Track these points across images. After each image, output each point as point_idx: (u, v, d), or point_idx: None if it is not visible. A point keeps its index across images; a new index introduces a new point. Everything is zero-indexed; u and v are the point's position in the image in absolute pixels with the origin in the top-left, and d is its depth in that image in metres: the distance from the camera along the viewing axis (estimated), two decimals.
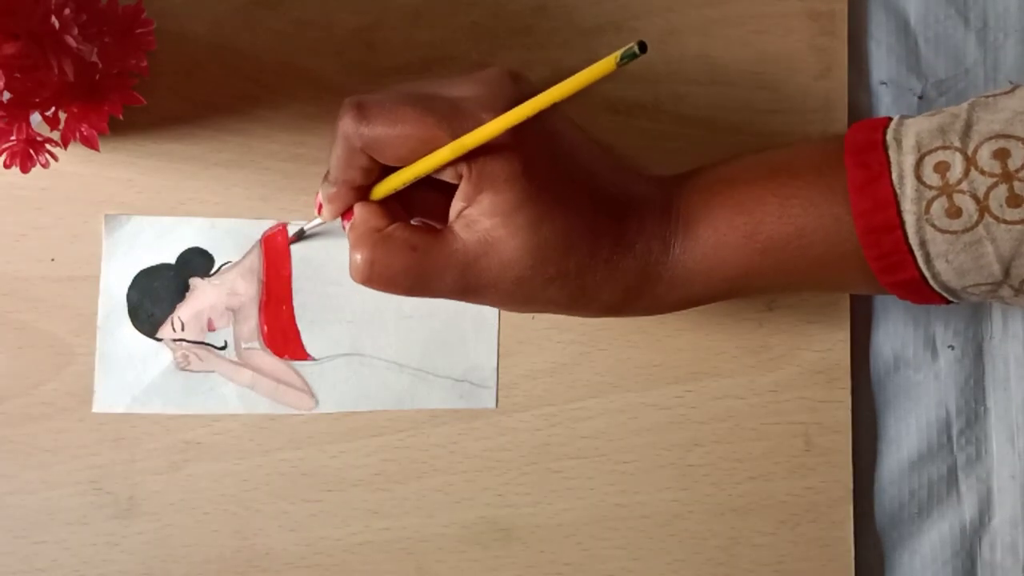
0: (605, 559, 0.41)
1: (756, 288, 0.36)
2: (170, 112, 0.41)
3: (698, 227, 0.35)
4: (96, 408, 0.40)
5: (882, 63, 0.44)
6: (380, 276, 0.34)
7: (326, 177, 0.35)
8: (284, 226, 0.41)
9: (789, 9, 0.43)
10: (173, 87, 0.41)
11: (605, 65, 0.28)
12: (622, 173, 0.37)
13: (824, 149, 0.35)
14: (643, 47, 0.28)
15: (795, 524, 0.42)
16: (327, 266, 0.41)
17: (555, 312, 0.36)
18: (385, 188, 0.35)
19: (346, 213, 0.36)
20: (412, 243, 0.34)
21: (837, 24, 0.43)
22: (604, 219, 0.35)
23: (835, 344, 0.42)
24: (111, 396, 0.40)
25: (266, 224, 0.41)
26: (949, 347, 0.43)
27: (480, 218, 0.33)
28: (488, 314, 0.42)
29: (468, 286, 0.34)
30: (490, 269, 0.33)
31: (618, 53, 0.28)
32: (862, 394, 0.43)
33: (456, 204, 0.34)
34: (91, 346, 0.41)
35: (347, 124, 0.33)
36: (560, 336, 0.42)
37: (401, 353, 0.41)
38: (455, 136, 0.32)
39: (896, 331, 0.43)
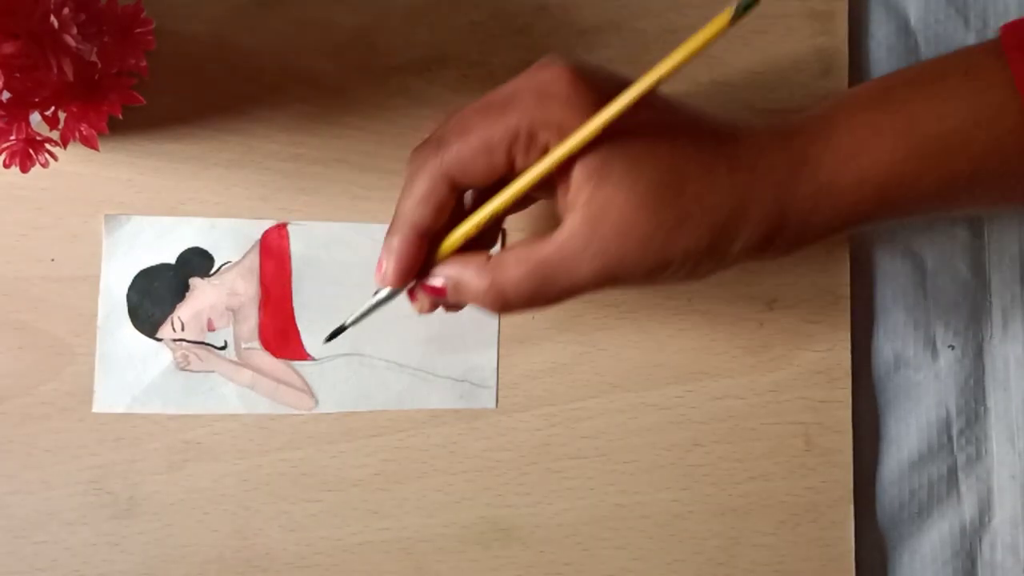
0: (605, 559, 0.41)
1: (911, 199, 0.32)
2: (170, 112, 0.41)
3: (837, 134, 0.32)
4: (96, 408, 0.40)
5: (882, 63, 0.44)
6: (515, 296, 0.31)
7: (388, 232, 0.33)
8: (284, 226, 0.41)
9: (789, 9, 0.43)
10: (173, 87, 0.41)
11: (720, 22, 0.25)
12: (709, 115, 0.33)
13: (967, 53, 0.33)
14: None
15: (795, 524, 0.42)
16: (327, 266, 0.41)
17: (700, 269, 0.32)
18: (456, 238, 0.32)
19: (410, 291, 0.34)
20: (526, 255, 0.31)
21: (837, 24, 0.43)
22: (713, 142, 0.32)
23: (835, 344, 0.42)
24: (111, 396, 0.40)
25: (266, 224, 0.41)
26: (949, 347, 0.43)
27: (577, 194, 0.30)
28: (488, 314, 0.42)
29: (600, 267, 0.30)
30: (610, 240, 0.30)
31: (730, 9, 0.25)
32: (862, 394, 0.43)
33: (559, 201, 0.32)
34: (91, 346, 0.41)
35: (426, 153, 0.31)
36: (560, 336, 0.42)
37: (401, 353, 0.41)
38: (531, 119, 0.30)
39: (896, 331, 0.43)
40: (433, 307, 0.34)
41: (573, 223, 0.31)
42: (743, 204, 0.31)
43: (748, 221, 0.31)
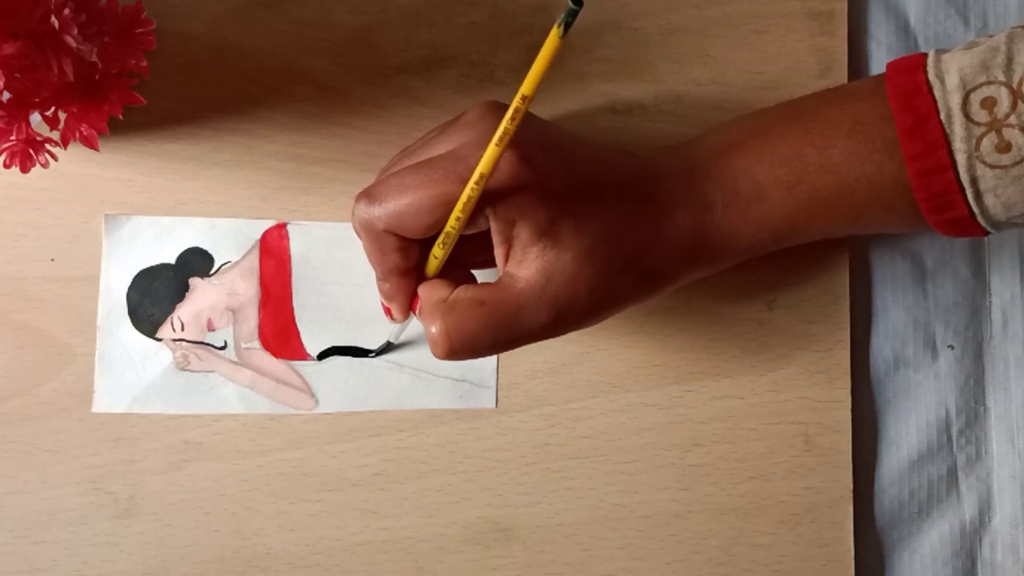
0: (605, 559, 0.41)
1: (804, 234, 0.37)
2: (170, 112, 0.41)
3: (737, 184, 0.36)
4: (96, 408, 0.40)
5: (882, 63, 0.44)
6: (460, 343, 0.33)
7: (377, 277, 0.35)
8: (284, 226, 0.41)
9: (789, 9, 0.43)
10: (173, 87, 0.41)
11: (552, 41, 0.28)
12: (630, 156, 0.37)
13: (856, 95, 0.36)
14: (579, 2, 0.27)
15: (795, 524, 0.42)
16: (327, 266, 0.41)
17: (635, 302, 0.36)
18: (434, 261, 0.34)
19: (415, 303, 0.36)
20: (479, 299, 0.33)
21: (837, 24, 0.43)
22: (635, 203, 0.35)
23: (835, 344, 0.42)
24: (111, 396, 0.40)
25: (266, 224, 0.41)
26: (949, 347, 0.43)
27: (527, 250, 0.33)
28: None
29: (550, 318, 0.33)
30: (562, 290, 0.33)
31: (557, 26, 0.28)
32: (862, 394, 0.43)
33: (498, 252, 0.34)
34: (91, 346, 0.41)
35: (361, 212, 0.33)
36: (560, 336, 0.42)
37: (401, 353, 0.41)
38: (463, 183, 0.31)
39: (896, 331, 0.43)
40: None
41: (528, 276, 0.33)
42: (669, 247, 0.35)
43: (671, 261, 0.36)
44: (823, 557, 0.42)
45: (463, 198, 0.32)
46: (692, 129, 0.42)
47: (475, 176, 0.31)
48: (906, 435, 0.43)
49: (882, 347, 0.43)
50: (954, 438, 0.43)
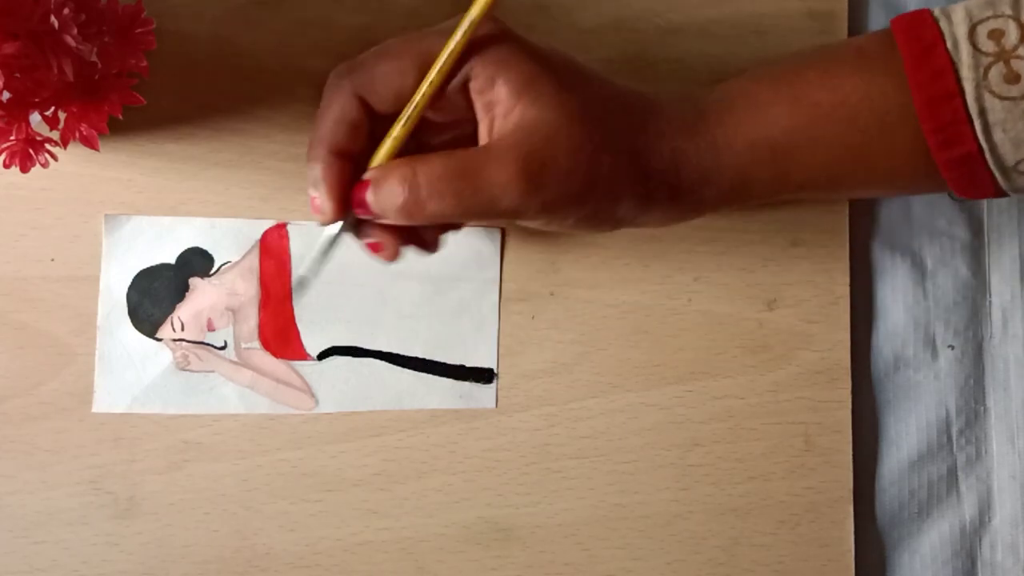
0: (605, 559, 0.41)
1: (805, 167, 0.34)
2: (170, 112, 0.41)
3: (736, 99, 0.34)
4: (96, 408, 0.40)
5: None
6: (430, 194, 0.30)
7: (309, 160, 0.32)
8: (284, 226, 0.41)
9: (789, 9, 0.43)
10: (173, 87, 0.41)
11: None
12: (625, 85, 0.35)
13: (865, 37, 0.35)
14: None
15: (795, 524, 0.42)
16: (327, 266, 0.41)
17: (620, 192, 0.33)
18: (390, 143, 0.32)
19: (343, 188, 0.32)
20: (450, 152, 0.31)
21: (837, 24, 0.43)
22: (623, 92, 0.34)
23: (835, 344, 0.42)
24: (111, 396, 0.40)
25: (266, 224, 0.41)
26: (949, 347, 0.43)
27: (507, 105, 0.31)
28: (488, 314, 0.42)
29: (529, 182, 0.31)
30: (539, 146, 0.31)
31: None
32: (862, 394, 0.43)
33: (482, 125, 0.32)
34: (91, 346, 0.41)
35: (335, 75, 0.32)
36: (560, 336, 0.42)
37: (401, 352, 0.41)
38: (444, 38, 0.31)
39: (896, 331, 0.43)
40: (394, 247, 0.34)
41: (503, 130, 0.31)
42: (655, 140, 0.33)
43: (659, 156, 0.33)
44: (823, 557, 0.42)
45: (445, 50, 0.30)
46: None
47: (462, 24, 0.30)
48: (906, 435, 0.43)
49: (882, 347, 0.43)
50: (954, 438, 0.43)
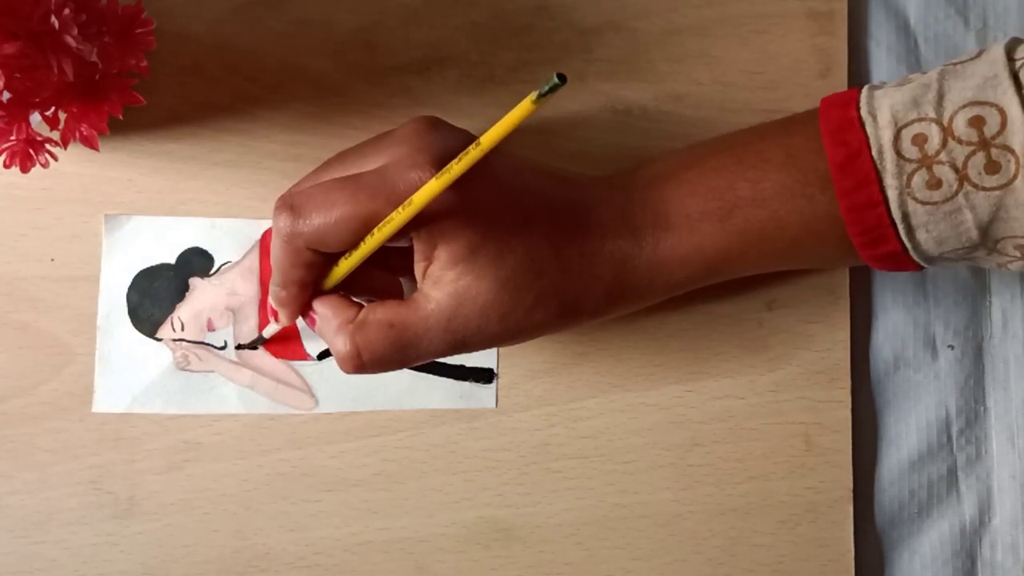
0: (605, 559, 0.41)
1: (736, 269, 0.36)
2: (170, 112, 0.41)
3: (669, 217, 0.36)
4: (96, 408, 0.40)
5: (882, 63, 0.44)
6: (370, 362, 0.34)
7: (273, 282, 0.35)
8: None
9: (789, 9, 0.43)
10: (173, 87, 0.41)
11: (525, 106, 0.28)
12: (567, 183, 0.36)
13: (790, 130, 0.36)
14: (562, 78, 0.27)
15: (795, 524, 0.42)
16: None
17: (550, 333, 0.36)
18: (337, 275, 0.34)
19: (305, 312, 0.36)
20: (389, 321, 0.33)
21: (837, 24, 0.43)
22: (564, 233, 0.35)
23: (835, 344, 0.42)
24: (111, 396, 0.40)
25: (266, 224, 0.41)
26: (949, 347, 0.43)
27: (443, 272, 0.33)
28: None
29: (457, 340, 0.34)
30: (472, 317, 0.33)
31: (534, 93, 0.28)
32: (862, 394, 0.43)
33: (417, 267, 0.34)
34: (91, 346, 0.41)
35: (284, 224, 0.33)
36: (560, 336, 0.42)
37: None
38: (391, 205, 0.31)
39: (896, 331, 0.43)
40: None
41: (440, 299, 0.33)
42: (590, 283, 0.35)
43: (594, 295, 0.35)
44: (823, 557, 0.42)
45: (389, 223, 0.31)
46: (692, 129, 0.42)
47: (407, 204, 0.31)
48: (906, 435, 0.43)
49: (882, 347, 0.43)
50: (954, 438, 0.43)
